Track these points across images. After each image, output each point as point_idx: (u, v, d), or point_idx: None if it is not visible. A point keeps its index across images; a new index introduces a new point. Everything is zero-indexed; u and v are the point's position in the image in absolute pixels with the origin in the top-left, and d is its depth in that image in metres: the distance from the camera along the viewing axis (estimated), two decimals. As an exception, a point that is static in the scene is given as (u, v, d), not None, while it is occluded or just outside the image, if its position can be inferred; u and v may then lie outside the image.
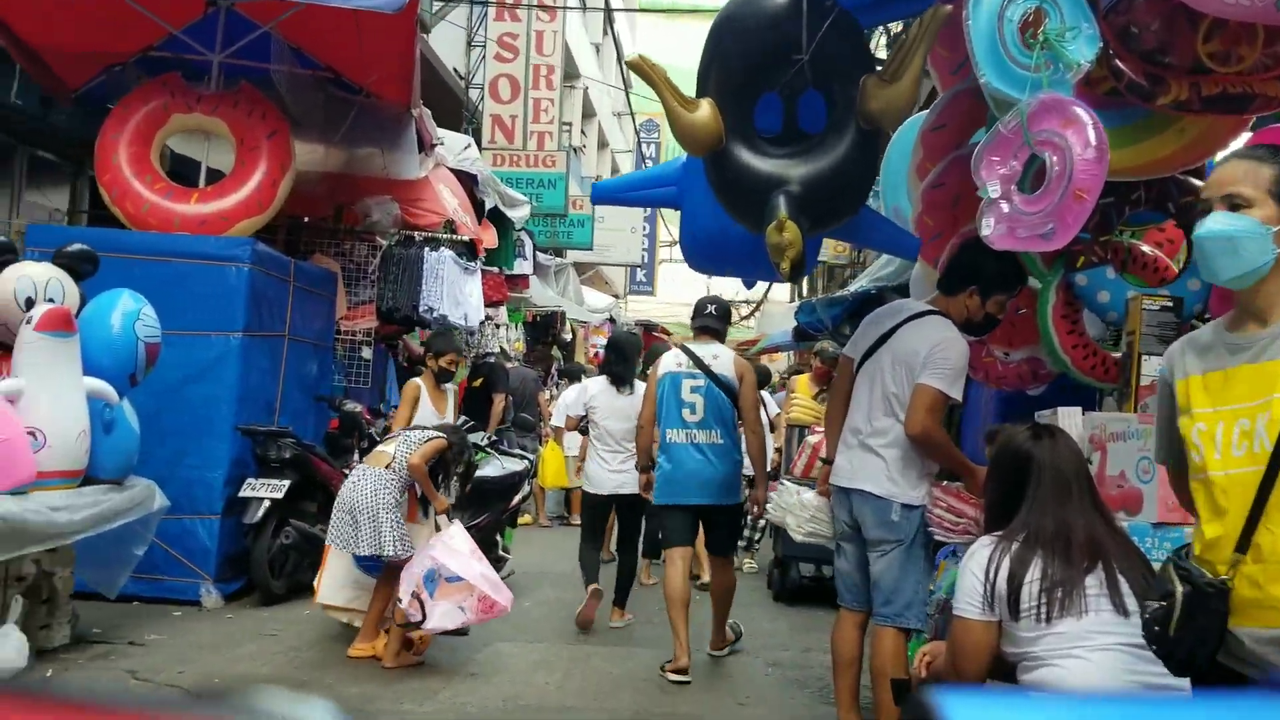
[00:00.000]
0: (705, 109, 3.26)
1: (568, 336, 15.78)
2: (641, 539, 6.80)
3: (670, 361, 5.54)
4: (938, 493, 3.79)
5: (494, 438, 6.93)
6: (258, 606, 6.20)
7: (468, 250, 8.46)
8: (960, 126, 4.50)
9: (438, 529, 5.28)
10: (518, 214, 11.16)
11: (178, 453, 6.16)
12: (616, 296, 28.17)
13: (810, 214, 3.16)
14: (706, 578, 6.21)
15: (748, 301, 34.12)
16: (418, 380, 6.21)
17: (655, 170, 4.31)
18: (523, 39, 17.96)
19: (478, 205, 10.12)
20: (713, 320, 5.64)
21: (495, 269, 10.24)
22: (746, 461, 5.59)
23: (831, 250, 21.80)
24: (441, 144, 8.29)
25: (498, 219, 10.87)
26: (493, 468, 6.49)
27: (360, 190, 7.93)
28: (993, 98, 3.14)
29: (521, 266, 12.08)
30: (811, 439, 7.08)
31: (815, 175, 3.21)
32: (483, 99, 17.16)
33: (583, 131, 25.61)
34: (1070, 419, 3.27)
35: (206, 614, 5.96)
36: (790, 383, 8.44)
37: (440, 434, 5.33)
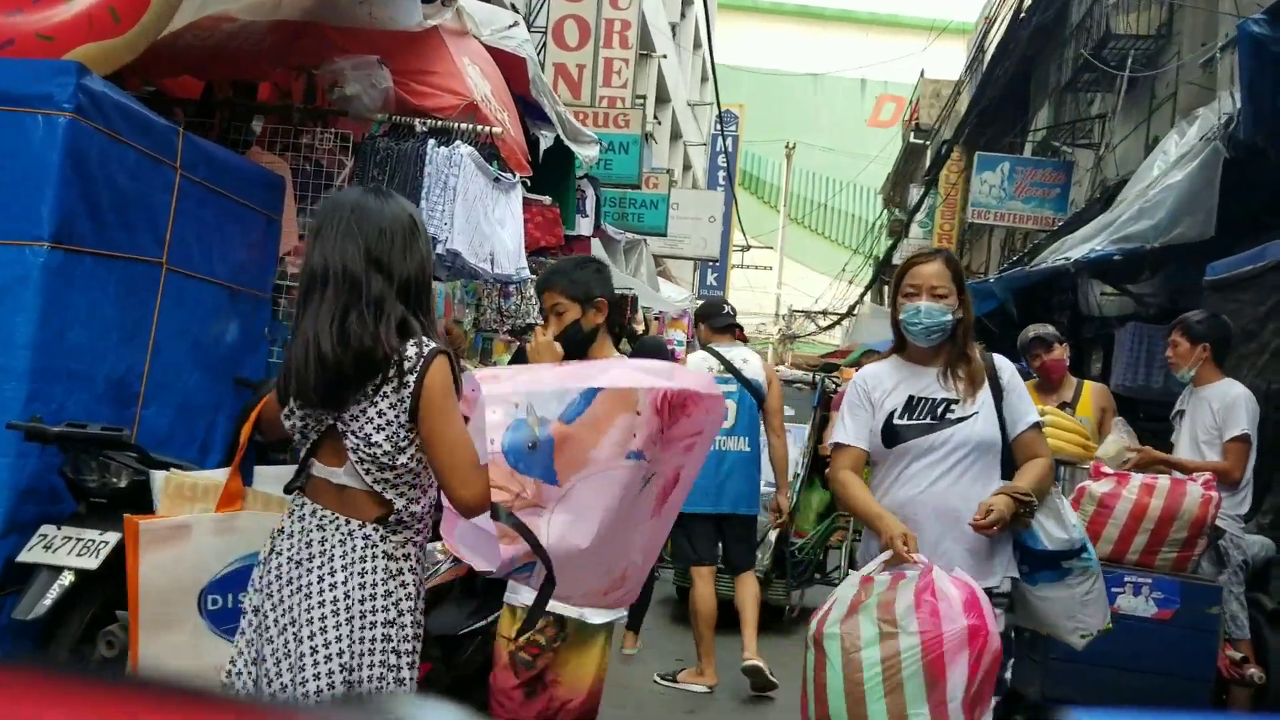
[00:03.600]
0: None
1: (639, 327, 12.50)
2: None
3: (699, 365, 5.41)
4: None
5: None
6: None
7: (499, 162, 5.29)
8: None
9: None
10: (587, 152, 8.03)
11: (-88, 469, 3.17)
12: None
13: None
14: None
15: (825, 312, 31.08)
16: None
17: None
18: (594, -21, 15.12)
19: (531, 142, 7.06)
20: (734, 319, 5.59)
21: (546, 199, 7.08)
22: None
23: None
24: (468, -10, 5.21)
25: (557, 159, 7.80)
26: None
27: (331, 47, 4.89)
28: None
29: (581, 226, 8.92)
30: (1098, 487, 3.92)
31: None
32: (544, 45, 14.20)
33: (656, 117, 22.64)
34: None
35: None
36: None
37: (439, 348, 2.22)
